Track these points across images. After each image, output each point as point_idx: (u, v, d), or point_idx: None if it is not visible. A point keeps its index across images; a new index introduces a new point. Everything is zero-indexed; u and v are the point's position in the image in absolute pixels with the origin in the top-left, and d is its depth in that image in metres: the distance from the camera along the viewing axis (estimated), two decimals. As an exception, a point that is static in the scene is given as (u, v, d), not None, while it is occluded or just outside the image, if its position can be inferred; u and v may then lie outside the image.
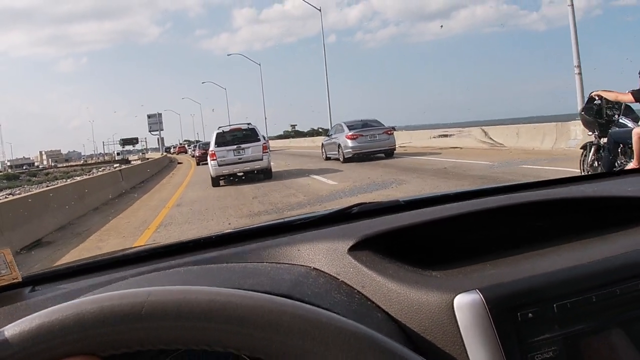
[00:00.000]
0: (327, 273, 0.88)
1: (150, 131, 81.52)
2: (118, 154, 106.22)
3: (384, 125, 19.39)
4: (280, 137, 77.73)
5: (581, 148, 8.05)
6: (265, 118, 56.65)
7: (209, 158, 15.61)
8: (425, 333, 0.76)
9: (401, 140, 25.31)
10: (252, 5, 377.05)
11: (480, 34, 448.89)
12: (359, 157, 17.94)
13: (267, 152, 15.48)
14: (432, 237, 1.03)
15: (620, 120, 7.21)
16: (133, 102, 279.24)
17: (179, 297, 0.58)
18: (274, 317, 0.57)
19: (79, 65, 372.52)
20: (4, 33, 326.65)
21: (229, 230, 1.22)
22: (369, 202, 1.24)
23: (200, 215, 9.86)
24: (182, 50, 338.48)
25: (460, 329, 0.75)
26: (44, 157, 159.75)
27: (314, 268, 0.90)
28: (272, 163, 16.14)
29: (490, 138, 18.44)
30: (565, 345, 0.76)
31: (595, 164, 7.50)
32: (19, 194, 22.62)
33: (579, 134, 12.81)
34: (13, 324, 0.56)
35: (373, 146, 18.25)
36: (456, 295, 0.77)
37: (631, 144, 6.55)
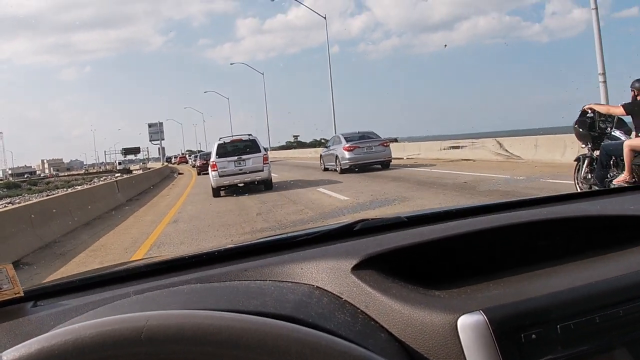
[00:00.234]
0: (330, 292, 0.87)
1: (151, 140, 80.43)
2: (120, 163, 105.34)
3: (380, 138, 19.62)
4: (282, 147, 76.82)
5: (575, 160, 8.09)
6: (268, 129, 55.97)
7: (210, 169, 15.52)
8: (429, 354, 0.76)
9: (409, 151, 24.38)
10: (255, 16, 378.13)
11: (483, 45, 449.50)
12: (356, 168, 18.25)
13: (268, 163, 15.42)
14: (435, 255, 1.02)
15: (613, 133, 7.31)
16: (135, 111, 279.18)
17: (178, 321, 0.60)
18: (271, 340, 0.59)
19: (82, 74, 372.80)
20: (8, 40, 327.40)
21: (232, 246, 1.22)
22: (372, 219, 1.24)
23: (199, 234, 8.82)
24: (186, 60, 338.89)
25: (464, 350, 0.75)
26: (46, 165, 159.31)
27: (318, 287, 0.89)
28: (275, 174, 16.07)
29: (506, 150, 17.41)
30: None
31: (589, 176, 7.55)
32: (18, 202, 21.91)
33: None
34: (13, 348, 0.58)
35: (369, 158, 18.47)
36: (460, 316, 0.77)
37: (622, 156, 6.62)
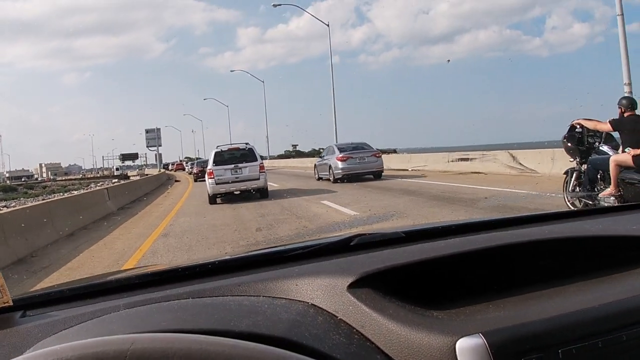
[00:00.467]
0: (325, 310, 0.86)
1: (148, 146, 78.86)
2: (117, 169, 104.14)
3: (372, 149, 20.00)
4: (281, 156, 75.62)
5: (564, 173, 8.27)
6: (267, 137, 55.07)
7: (206, 176, 15.67)
8: None
9: (415, 163, 23.30)
10: (257, 25, 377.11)
11: (484, 58, 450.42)
12: (348, 178, 18.45)
13: (264, 172, 15.51)
14: (433, 273, 0.99)
15: (601, 148, 7.42)
16: (135, 117, 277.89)
17: (163, 345, 0.58)
18: None
19: (82, 79, 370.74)
20: (10, 44, 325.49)
21: (227, 257, 1.19)
22: (369, 234, 1.22)
23: (190, 251, 7.70)
24: (186, 68, 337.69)
25: None
26: (44, 169, 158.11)
27: (313, 304, 0.88)
28: (275, 183, 16.31)
29: (520, 163, 16.28)
30: None
31: (577, 189, 7.72)
32: (13, 206, 20.80)
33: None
34: None
35: (362, 168, 18.78)
36: (458, 338, 0.75)
37: (609, 171, 6.77)
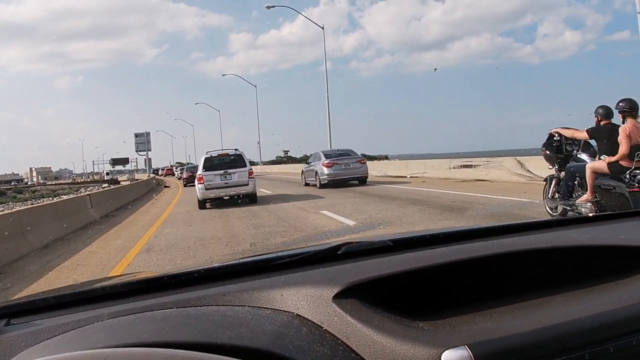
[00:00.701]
0: (310, 321, 0.84)
1: (137, 151, 76.98)
2: (107, 173, 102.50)
3: (357, 155, 20.38)
4: (273, 162, 74.34)
5: (544, 180, 8.47)
6: (259, 143, 54.02)
7: (196, 181, 15.59)
8: None
9: (413, 170, 22.28)
10: (249, 31, 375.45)
11: (475, 65, 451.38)
12: (334, 183, 18.74)
13: (253, 177, 15.55)
14: (420, 282, 0.98)
15: (578, 156, 7.61)
16: (126, 122, 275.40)
17: None
18: None
19: (75, 83, 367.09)
20: (3, 48, 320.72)
21: (213, 266, 1.18)
22: (356, 242, 1.19)
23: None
24: (178, 72, 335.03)
25: None
26: (34, 173, 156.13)
27: (298, 315, 0.86)
28: (267, 190, 16.31)
29: (528, 170, 15.28)
30: None
31: (556, 195, 7.81)
32: (1, 210, 19.70)
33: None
34: None
35: (347, 174, 19.06)
36: (444, 350, 0.74)
37: (586, 177, 6.93)
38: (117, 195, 19.92)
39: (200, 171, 15.47)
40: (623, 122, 6.76)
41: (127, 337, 0.78)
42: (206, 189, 15.04)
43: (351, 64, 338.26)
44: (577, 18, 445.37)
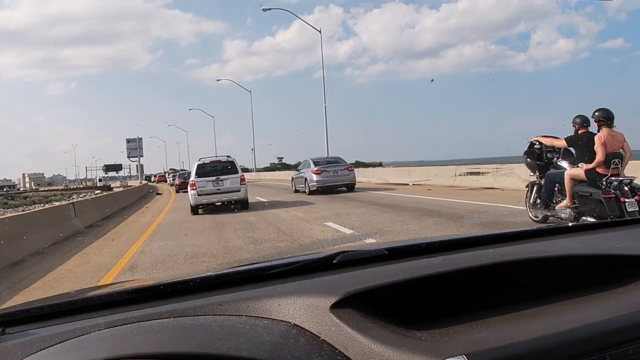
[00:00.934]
0: (308, 331, 0.84)
1: (129, 157, 75.43)
2: (100, 180, 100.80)
3: (346, 162, 20.58)
4: (267, 169, 73.16)
5: (525, 187, 8.56)
6: (254, 150, 52.97)
7: (189, 188, 15.69)
8: None
9: (416, 177, 21.16)
10: (243, 37, 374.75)
11: (469, 73, 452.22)
12: (323, 190, 18.90)
13: (245, 184, 15.62)
14: (416, 291, 0.98)
15: (559, 163, 7.69)
16: (120, 128, 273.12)
17: None
18: None
19: (68, 89, 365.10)
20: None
21: (209, 274, 1.15)
22: (352, 251, 1.18)
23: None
24: (172, 79, 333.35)
25: None
26: (27, 179, 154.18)
27: (295, 325, 0.85)
28: (264, 198, 16.29)
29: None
30: None
31: (537, 201, 7.91)
32: None
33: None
34: None
35: (335, 181, 19.29)
36: None
37: (564, 184, 7.16)
38: (105, 203, 18.66)
39: (193, 177, 15.50)
40: (598, 131, 6.95)
41: (125, 348, 0.77)
42: (199, 195, 15.11)
43: (345, 71, 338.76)
44: (570, 26, 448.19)
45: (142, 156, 74.15)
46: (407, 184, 20.71)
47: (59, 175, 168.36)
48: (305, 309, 0.87)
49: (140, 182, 54.77)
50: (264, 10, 30.41)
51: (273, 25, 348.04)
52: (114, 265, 7.72)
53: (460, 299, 0.98)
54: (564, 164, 7.59)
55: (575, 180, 7.05)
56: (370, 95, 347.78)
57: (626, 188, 6.48)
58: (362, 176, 26.59)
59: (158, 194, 33.61)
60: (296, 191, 21.26)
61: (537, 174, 8.09)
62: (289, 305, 0.89)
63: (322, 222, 10.64)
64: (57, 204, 20.03)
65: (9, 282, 7.25)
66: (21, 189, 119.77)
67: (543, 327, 0.82)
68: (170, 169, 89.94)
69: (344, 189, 19.43)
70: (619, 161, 6.77)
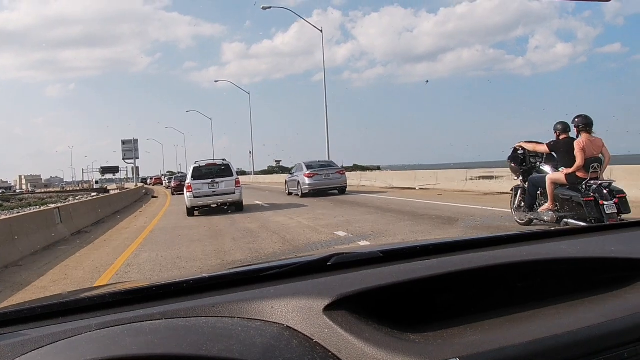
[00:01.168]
0: (301, 333, 0.83)
1: (124, 159, 73.44)
2: (96, 182, 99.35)
3: (337, 166, 21.11)
4: (264, 172, 71.87)
5: (511, 190, 8.81)
6: (252, 152, 51.97)
7: (185, 190, 15.83)
8: None
9: (423, 181, 20.03)
10: (242, 40, 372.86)
11: (467, 76, 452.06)
12: (315, 193, 19.20)
13: (240, 186, 15.82)
14: (410, 294, 0.97)
15: (542, 167, 7.93)
16: (118, 130, 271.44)
17: None
18: None
19: (66, 91, 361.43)
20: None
21: (202, 276, 1.13)
22: (347, 253, 1.17)
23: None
24: (171, 82, 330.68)
25: None
26: (23, 181, 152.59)
27: (288, 327, 0.84)
28: (265, 203, 16.14)
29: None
30: None
31: (521, 204, 8.09)
32: None
33: None
34: None
35: (327, 184, 19.59)
36: None
37: (546, 188, 7.35)
38: (97, 207, 17.45)
39: (189, 180, 15.63)
40: (577, 136, 7.15)
41: (116, 349, 0.77)
42: (194, 197, 15.24)
43: (343, 75, 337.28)
44: (568, 30, 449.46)
45: (137, 158, 72.25)
46: (414, 188, 19.60)
47: (56, 177, 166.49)
48: (298, 311, 0.86)
49: (136, 185, 53.48)
50: (264, 8, 29.31)
51: (272, 28, 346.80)
52: (94, 282, 6.57)
53: (454, 302, 0.96)
54: (546, 168, 7.79)
55: (557, 184, 7.25)
56: (368, 99, 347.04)
57: (605, 191, 6.63)
58: (365, 180, 25.55)
59: (154, 197, 32.37)
60: (289, 194, 21.61)
61: (521, 178, 8.29)
62: (282, 307, 0.87)
63: (332, 231, 9.51)
64: (52, 206, 18.85)
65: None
66: (17, 191, 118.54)
67: (537, 330, 0.81)
68: (168, 172, 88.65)
69: (336, 192, 19.72)
70: (598, 165, 6.96)
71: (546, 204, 7.37)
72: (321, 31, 29.84)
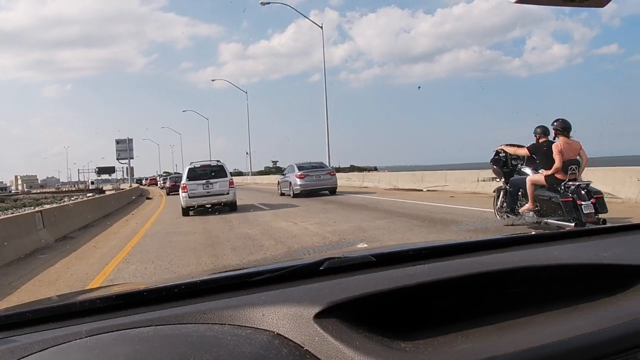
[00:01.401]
0: (291, 341, 0.81)
1: (118, 159, 71.77)
2: (92, 182, 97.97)
3: (328, 167, 21.76)
4: (261, 172, 70.72)
5: (494, 192, 9.13)
6: (249, 153, 50.93)
7: (180, 190, 16.13)
8: None
9: (430, 182, 18.97)
10: (238, 41, 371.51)
11: (464, 77, 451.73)
12: (306, 193, 19.46)
13: (234, 187, 16.11)
14: (402, 300, 0.94)
15: (523, 169, 8.15)
16: (115, 130, 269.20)
17: None
18: None
19: (63, 91, 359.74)
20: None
21: (193, 280, 1.11)
22: (338, 258, 1.15)
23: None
24: (168, 82, 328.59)
25: None
26: (19, 182, 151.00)
27: (278, 334, 0.83)
28: (265, 206, 16.23)
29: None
30: None
31: (503, 205, 8.37)
32: None
33: None
34: None
35: (318, 184, 19.90)
36: None
37: (526, 189, 7.60)
38: (86, 209, 16.33)
39: (184, 180, 15.89)
40: (554, 139, 7.44)
41: (105, 358, 0.76)
42: (189, 197, 15.48)
43: (340, 75, 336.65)
44: (565, 32, 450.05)
45: (132, 158, 70.70)
46: (421, 190, 18.56)
47: (52, 177, 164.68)
48: (289, 318, 0.84)
49: (130, 186, 52.23)
50: (262, 4, 28.26)
51: (268, 29, 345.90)
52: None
53: (447, 308, 0.94)
54: (527, 170, 7.99)
55: (536, 186, 7.49)
56: (365, 99, 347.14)
57: (583, 192, 6.82)
58: (367, 181, 24.54)
59: (148, 198, 31.19)
60: (282, 194, 21.89)
61: (503, 179, 8.53)
62: (273, 314, 0.86)
63: (342, 237, 8.44)
64: (47, 206, 17.80)
65: None
66: (13, 191, 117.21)
67: (530, 338, 0.79)
68: (164, 172, 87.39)
69: (327, 192, 20.00)
70: (575, 167, 7.15)
71: (527, 205, 7.62)
72: (321, 27, 28.88)
